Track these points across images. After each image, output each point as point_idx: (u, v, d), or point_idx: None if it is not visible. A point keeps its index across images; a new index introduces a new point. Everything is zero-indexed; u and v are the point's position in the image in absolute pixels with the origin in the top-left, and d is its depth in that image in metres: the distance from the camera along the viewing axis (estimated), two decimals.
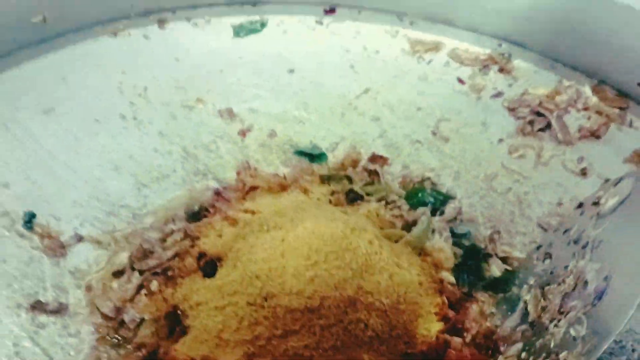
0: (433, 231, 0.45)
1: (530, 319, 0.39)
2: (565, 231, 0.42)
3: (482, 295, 0.42)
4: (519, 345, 0.38)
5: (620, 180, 0.40)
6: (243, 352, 0.33)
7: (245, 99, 0.58)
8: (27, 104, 0.53)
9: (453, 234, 0.46)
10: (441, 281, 0.40)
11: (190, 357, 0.33)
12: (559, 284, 0.38)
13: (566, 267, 0.39)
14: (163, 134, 0.54)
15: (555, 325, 0.37)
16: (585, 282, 0.37)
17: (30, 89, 0.54)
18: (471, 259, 0.44)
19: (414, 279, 0.38)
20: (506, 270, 0.44)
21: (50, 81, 0.55)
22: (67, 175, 0.49)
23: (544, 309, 0.38)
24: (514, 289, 0.42)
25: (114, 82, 0.56)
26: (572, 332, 0.36)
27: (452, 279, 0.41)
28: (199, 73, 0.59)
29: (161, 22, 0.61)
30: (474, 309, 0.39)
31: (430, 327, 0.36)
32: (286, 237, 0.36)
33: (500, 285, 0.43)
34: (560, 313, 0.37)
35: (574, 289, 0.37)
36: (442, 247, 0.43)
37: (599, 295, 0.35)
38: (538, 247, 0.45)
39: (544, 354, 0.36)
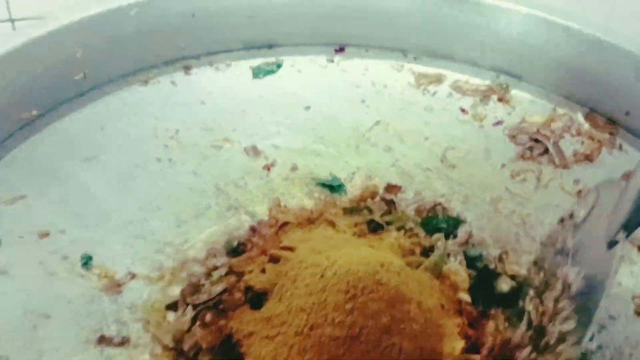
0: (448, 255, 0.50)
1: (534, 324, 0.44)
2: (552, 245, 0.48)
3: (495, 312, 0.47)
4: (528, 349, 0.43)
5: (588, 193, 0.46)
6: None
7: (268, 136, 0.63)
8: (72, 154, 0.58)
9: (466, 256, 0.51)
10: (459, 302, 0.46)
11: None
12: (551, 291, 0.44)
13: (554, 275, 0.45)
14: (196, 173, 0.59)
15: (553, 325, 0.42)
16: (569, 285, 0.43)
17: (74, 140, 0.59)
18: (484, 279, 0.50)
19: (436, 303, 0.43)
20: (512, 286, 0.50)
21: (90, 131, 0.60)
22: (115, 217, 0.54)
23: (542, 313, 0.44)
24: (520, 302, 0.47)
25: (148, 127, 0.62)
26: (564, 328, 0.42)
27: (469, 299, 0.46)
28: (224, 114, 0.64)
29: (186, 69, 0.66)
30: (490, 325, 0.45)
31: (455, 346, 0.42)
32: (324, 273, 0.41)
33: (509, 301, 0.48)
34: (555, 314, 0.43)
35: (562, 293, 0.43)
36: (458, 270, 0.48)
37: (579, 293, 0.42)
38: (535, 263, 0.50)
39: (547, 351, 0.42)
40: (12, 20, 0.76)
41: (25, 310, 0.46)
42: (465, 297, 0.46)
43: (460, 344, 0.42)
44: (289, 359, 0.39)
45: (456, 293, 0.46)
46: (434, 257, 0.49)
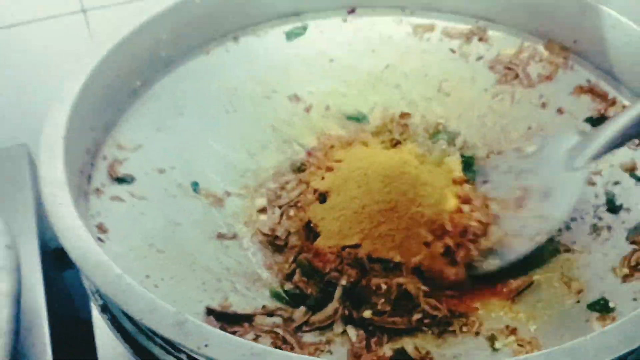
0: (448, 155, 0.70)
1: None
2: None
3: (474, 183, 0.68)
4: None
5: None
6: (357, 238, 0.59)
7: (304, 85, 0.80)
8: (166, 112, 0.76)
9: (462, 156, 0.71)
10: (454, 180, 0.66)
11: (327, 246, 0.60)
12: None
13: None
14: (255, 118, 0.78)
15: None
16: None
17: (164, 102, 0.77)
18: (470, 165, 0.70)
19: (442, 184, 0.64)
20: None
21: (175, 93, 0.78)
22: (206, 156, 0.72)
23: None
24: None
25: (214, 87, 0.79)
26: None
27: (461, 174, 0.67)
28: (269, 71, 0.81)
29: (235, 39, 0.84)
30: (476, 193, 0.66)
31: (451, 204, 0.62)
32: (367, 172, 0.62)
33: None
34: None
35: None
36: (452, 160, 0.69)
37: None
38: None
39: None
40: (84, 11, 0.94)
41: (164, 221, 0.66)
42: (459, 174, 0.67)
43: (454, 202, 0.63)
44: (351, 228, 0.60)
45: (451, 173, 0.67)
46: (436, 153, 0.69)
